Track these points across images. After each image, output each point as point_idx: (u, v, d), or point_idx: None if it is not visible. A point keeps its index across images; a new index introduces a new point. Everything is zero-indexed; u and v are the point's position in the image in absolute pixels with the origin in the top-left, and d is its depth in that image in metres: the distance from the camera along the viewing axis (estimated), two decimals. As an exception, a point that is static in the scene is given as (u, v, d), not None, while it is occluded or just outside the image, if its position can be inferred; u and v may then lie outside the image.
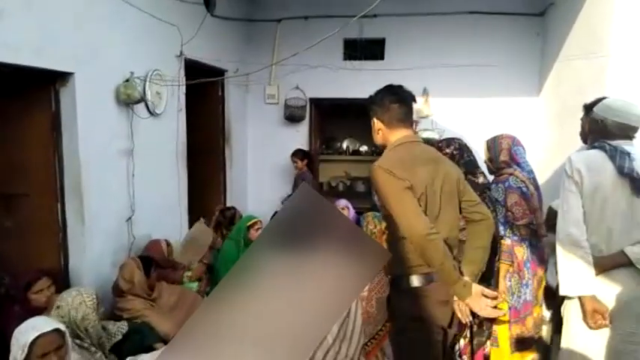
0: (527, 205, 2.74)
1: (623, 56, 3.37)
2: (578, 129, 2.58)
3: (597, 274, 2.14)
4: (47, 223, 3.15)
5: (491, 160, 2.78)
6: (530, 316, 2.80)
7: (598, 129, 2.25)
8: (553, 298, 3.01)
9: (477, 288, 2.04)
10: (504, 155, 2.85)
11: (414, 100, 2.16)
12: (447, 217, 2.09)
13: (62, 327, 2.15)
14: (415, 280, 2.05)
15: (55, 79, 3.00)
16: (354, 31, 5.22)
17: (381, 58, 5.53)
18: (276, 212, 4.33)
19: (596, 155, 2.16)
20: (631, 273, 2.13)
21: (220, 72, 5.03)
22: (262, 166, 5.92)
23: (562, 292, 2.22)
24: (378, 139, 2.19)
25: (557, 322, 2.69)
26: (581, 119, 2.60)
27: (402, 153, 2.07)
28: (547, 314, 3.15)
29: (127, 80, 3.41)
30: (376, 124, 2.16)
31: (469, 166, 2.44)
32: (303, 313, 1.56)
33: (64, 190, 3.12)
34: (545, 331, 3.03)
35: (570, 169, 2.17)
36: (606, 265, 2.14)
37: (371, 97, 2.20)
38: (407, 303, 2.08)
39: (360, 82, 5.52)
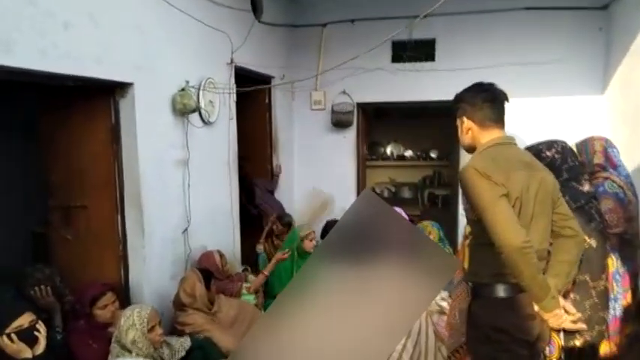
0: (624, 212, 2.51)
1: None
2: None
3: None
4: (107, 235, 3.11)
5: (583, 165, 2.57)
6: (622, 334, 2.55)
7: None
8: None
9: (561, 302, 1.90)
10: (598, 158, 2.62)
11: (507, 99, 2.00)
12: (538, 227, 1.93)
13: None
14: (501, 290, 1.91)
15: (115, 89, 2.97)
16: (402, 32, 5.07)
17: (432, 59, 5.34)
18: (328, 222, 4.23)
19: None
20: None
21: (268, 79, 4.97)
22: (309, 173, 5.81)
23: None
24: (467, 139, 2.05)
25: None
26: None
27: (496, 155, 1.92)
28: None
29: (183, 89, 3.35)
30: (466, 123, 2.02)
31: (573, 172, 2.23)
32: (368, 328, 1.41)
33: (123, 201, 3.07)
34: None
35: None
36: None
37: (460, 94, 2.06)
38: (490, 313, 1.94)
39: (410, 84, 5.38)
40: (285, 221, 4.48)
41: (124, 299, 3.00)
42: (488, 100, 1.97)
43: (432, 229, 3.80)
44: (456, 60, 5.11)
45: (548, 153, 2.25)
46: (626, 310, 2.59)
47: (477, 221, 1.90)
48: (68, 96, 2.93)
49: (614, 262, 2.54)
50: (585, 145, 2.61)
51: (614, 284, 2.53)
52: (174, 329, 3.00)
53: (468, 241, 2.05)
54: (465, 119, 2.02)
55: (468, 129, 2.02)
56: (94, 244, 3.14)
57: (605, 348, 2.50)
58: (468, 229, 2.04)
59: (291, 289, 1.48)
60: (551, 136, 2.71)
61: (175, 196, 3.42)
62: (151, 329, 2.48)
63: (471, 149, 2.07)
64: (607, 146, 2.57)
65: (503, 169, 1.85)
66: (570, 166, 2.26)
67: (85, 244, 3.16)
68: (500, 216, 1.79)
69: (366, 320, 1.38)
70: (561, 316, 1.83)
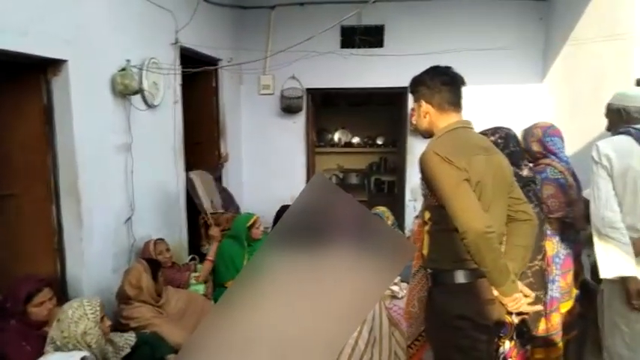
0: (565, 197, 2.61)
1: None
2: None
3: (637, 256, 2.14)
4: (40, 226, 2.86)
5: (524, 151, 2.65)
6: (557, 312, 2.68)
7: (619, 118, 2.34)
8: (588, 293, 2.92)
9: (519, 286, 1.91)
10: (536, 146, 2.73)
11: (464, 83, 1.99)
12: (497, 211, 1.94)
13: (85, 353, 1.92)
14: (461, 276, 1.91)
15: (46, 66, 2.71)
16: (352, 17, 5.02)
17: (381, 45, 5.34)
18: (283, 206, 4.15)
19: (623, 140, 2.22)
20: None
21: (214, 61, 4.77)
22: (258, 159, 5.68)
23: (602, 276, 2.23)
24: (424, 123, 2.00)
25: (592, 317, 2.61)
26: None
27: (456, 139, 1.89)
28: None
29: (124, 69, 3.12)
30: (424, 107, 1.97)
31: (513, 157, 2.29)
32: (324, 316, 1.36)
33: (58, 189, 2.84)
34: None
35: (598, 155, 2.22)
36: None
37: (418, 77, 2.00)
38: (450, 299, 1.93)
39: (359, 70, 5.36)
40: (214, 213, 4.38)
41: (61, 295, 2.78)
42: (446, 83, 1.94)
43: (389, 215, 3.82)
44: (405, 46, 5.13)
45: (492, 138, 2.29)
46: (564, 291, 2.73)
47: (438, 207, 1.87)
48: (-7, 73, 2.65)
49: (554, 246, 2.65)
50: (528, 132, 2.72)
51: (554, 267, 2.64)
52: (119, 324, 2.82)
53: (427, 227, 2.02)
54: (423, 102, 1.98)
55: (425, 112, 1.97)
56: (26, 236, 2.88)
57: (542, 325, 2.62)
58: (427, 214, 2.01)
59: (243, 278, 1.42)
60: (495, 123, 2.79)
61: (117, 183, 3.21)
62: (101, 320, 2.32)
63: (427, 133, 2.03)
64: (544, 135, 2.68)
65: (464, 153, 1.83)
66: (512, 151, 2.32)
67: (16, 236, 2.89)
68: (463, 201, 1.77)
69: (322, 307, 1.34)
70: (520, 300, 1.85)
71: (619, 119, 2.34)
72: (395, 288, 3.45)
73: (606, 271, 2.21)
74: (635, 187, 2.16)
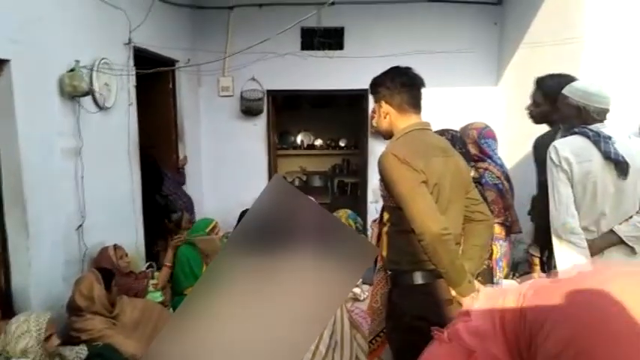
0: (503, 202, 2.68)
1: (598, 40, 3.40)
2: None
3: (592, 256, 2.16)
4: (-18, 237, 2.70)
5: (469, 153, 2.69)
6: None
7: (576, 115, 2.26)
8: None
9: (476, 285, 1.94)
10: (473, 148, 2.76)
11: (424, 84, 2.00)
12: (454, 212, 1.96)
13: None
14: (419, 277, 1.92)
15: (-14, 67, 2.56)
16: (311, 19, 5.00)
17: (341, 47, 5.35)
18: (244, 210, 4.08)
19: (580, 142, 2.19)
20: (622, 250, 2.20)
21: (171, 62, 4.65)
22: (218, 163, 5.58)
23: None
24: (384, 124, 2.02)
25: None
26: (535, 96, 2.64)
27: (414, 141, 1.91)
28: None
29: (73, 70, 2.99)
30: (384, 107, 1.99)
31: None
32: (287, 321, 1.33)
33: (1, 197, 2.68)
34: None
35: (557, 157, 2.17)
36: (600, 245, 2.19)
37: (378, 78, 2.02)
38: (409, 300, 1.95)
39: (319, 72, 5.35)
40: (174, 218, 4.28)
41: (6, 308, 2.62)
42: (406, 84, 1.95)
43: (345, 219, 3.80)
44: (364, 48, 5.16)
45: None
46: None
47: (396, 208, 1.88)
48: None
49: (498, 249, 2.71)
50: (465, 133, 2.74)
51: (497, 270, 2.71)
52: (70, 337, 2.69)
53: (385, 229, 2.02)
54: (383, 103, 1.99)
55: (386, 113, 1.99)
56: (-34, 247, 2.71)
57: None
58: (386, 215, 2.02)
59: (203, 284, 1.36)
60: (453, 125, 2.84)
61: (67, 189, 3.07)
62: (47, 338, 2.20)
63: (388, 134, 2.04)
64: (479, 137, 2.72)
65: (422, 155, 1.85)
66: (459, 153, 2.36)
67: (-45, 248, 2.72)
68: (420, 204, 1.78)
69: (284, 313, 1.31)
70: (475, 297, 1.88)
71: (576, 116, 2.27)
72: (357, 290, 3.46)
73: None
74: (595, 192, 2.16)
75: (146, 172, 4.33)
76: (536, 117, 2.75)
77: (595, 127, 2.21)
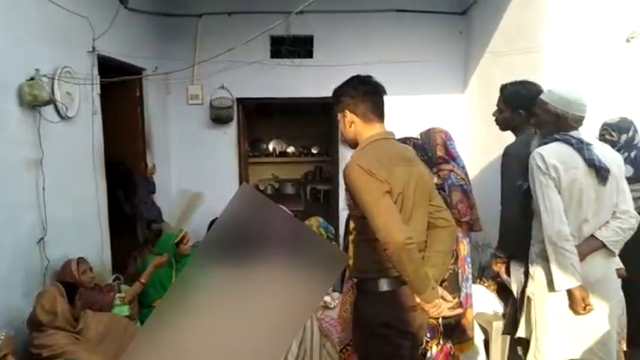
0: (468, 201, 2.74)
1: (558, 50, 3.51)
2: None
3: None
4: (-64, 252, 2.59)
5: (430, 159, 2.73)
6: (471, 308, 2.81)
7: (554, 121, 2.28)
8: (504, 293, 3.06)
9: (439, 292, 1.98)
10: (440, 150, 2.82)
11: (385, 92, 2.03)
12: (418, 220, 1.99)
13: None
14: (384, 284, 1.95)
15: (-61, 76, 2.47)
16: (280, 27, 5.01)
17: (310, 55, 5.38)
18: (213, 220, 4.02)
19: (564, 149, 2.20)
20: (602, 254, 2.25)
21: (138, 70, 4.59)
22: (188, 172, 5.50)
23: (558, 288, 2.20)
24: (350, 133, 2.03)
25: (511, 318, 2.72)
26: (498, 103, 2.70)
27: (378, 151, 1.93)
28: (499, 309, 3.19)
29: (32, 79, 2.91)
30: (348, 116, 1.99)
31: None
32: (257, 331, 1.33)
33: (-44, 210, 2.59)
34: (496, 326, 3.06)
35: (544, 165, 2.17)
36: (584, 251, 2.21)
37: (340, 88, 2.04)
38: (374, 308, 1.97)
39: (289, 80, 5.36)
40: (155, 227, 4.19)
41: (-38, 326, 2.52)
42: (369, 92, 1.97)
43: (316, 229, 3.78)
44: (333, 57, 5.19)
45: None
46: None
47: (361, 217, 1.90)
48: None
49: (465, 247, 2.77)
50: (428, 136, 2.80)
51: (466, 266, 2.77)
52: (30, 354, 2.60)
53: (351, 237, 2.04)
54: (347, 113, 1.99)
55: (350, 122, 1.99)
56: None
57: (463, 321, 2.73)
58: (352, 224, 2.05)
59: (171, 296, 1.35)
60: (418, 133, 2.88)
61: (27, 201, 2.97)
62: (3, 358, 2.12)
63: (354, 143, 2.05)
64: (446, 139, 2.79)
65: (386, 165, 1.87)
66: (421, 160, 2.40)
67: None
68: (384, 214, 1.81)
69: (255, 323, 1.30)
70: (440, 305, 1.91)
71: (553, 123, 2.27)
72: (327, 298, 3.45)
73: (562, 284, 2.18)
74: (580, 199, 2.19)
75: (118, 180, 4.26)
76: (501, 124, 2.81)
77: (575, 134, 2.23)
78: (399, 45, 5.30)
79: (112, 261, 3.97)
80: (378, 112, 1.99)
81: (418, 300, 1.91)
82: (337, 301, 3.35)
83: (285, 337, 1.38)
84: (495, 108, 2.81)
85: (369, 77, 2.03)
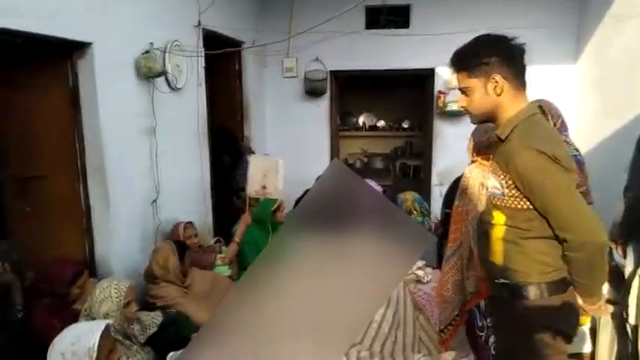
0: (582, 173, 2.52)
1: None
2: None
3: None
4: (69, 208, 2.92)
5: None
6: None
7: None
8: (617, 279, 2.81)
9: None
10: (558, 122, 2.61)
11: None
12: None
13: (109, 321, 1.97)
14: (554, 288, 1.62)
15: (72, 50, 2.73)
16: (376, -3, 4.92)
17: (406, 25, 5.21)
18: (305, 191, 4.12)
19: None
20: None
21: (238, 43, 4.75)
22: (281, 143, 5.66)
23: None
24: (489, 103, 1.60)
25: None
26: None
27: (549, 131, 1.59)
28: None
29: (147, 52, 3.13)
30: (498, 82, 1.57)
31: None
32: (343, 296, 1.35)
33: (85, 171, 2.88)
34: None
35: None
36: None
37: (488, 46, 1.60)
38: (547, 315, 1.62)
39: (384, 51, 5.26)
40: (243, 196, 4.35)
41: (91, 274, 2.84)
42: (522, 53, 1.59)
43: (411, 204, 3.74)
44: (431, 26, 5.00)
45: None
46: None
47: (524, 210, 1.59)
48: (21, 56, 2.68)
49: None
50: (548, 106, 2.59)
51: None
52: (146, 302, 2.88)
53: (502, 234, 1.66)
54: (496, 77, 1.57)
55: (500, 89, 1.57)
56: (56, 217, 2.95)
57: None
58: (502, 218, 1.66)
59: (263, 259, 1.43)
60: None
61: (143, 166, 3.24)
62: (127, 304, 2.37)
63: (487, 117, 1.66)
64: (560, 113, 2.55)
65: (565, 150, 1.56)
66: None
67: (46, 218, 2.96)
68: (579, 210, 1.52)
69: (341, 288, 1.34)
70: (602, 306, 1.67)
71: None
72: (420, 272, 3.41)
73: None
74: None
75: (225, 147, 4.48)
76: None
77: None
78: (504, 10, 4.96)
79: (213, 224, 4.23)
80: (524, 81, 1.62)
81: (580, 302, 1.64)
82: (430, 276, 3.30)
83: (371, 304, 1.40)
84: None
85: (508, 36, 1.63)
